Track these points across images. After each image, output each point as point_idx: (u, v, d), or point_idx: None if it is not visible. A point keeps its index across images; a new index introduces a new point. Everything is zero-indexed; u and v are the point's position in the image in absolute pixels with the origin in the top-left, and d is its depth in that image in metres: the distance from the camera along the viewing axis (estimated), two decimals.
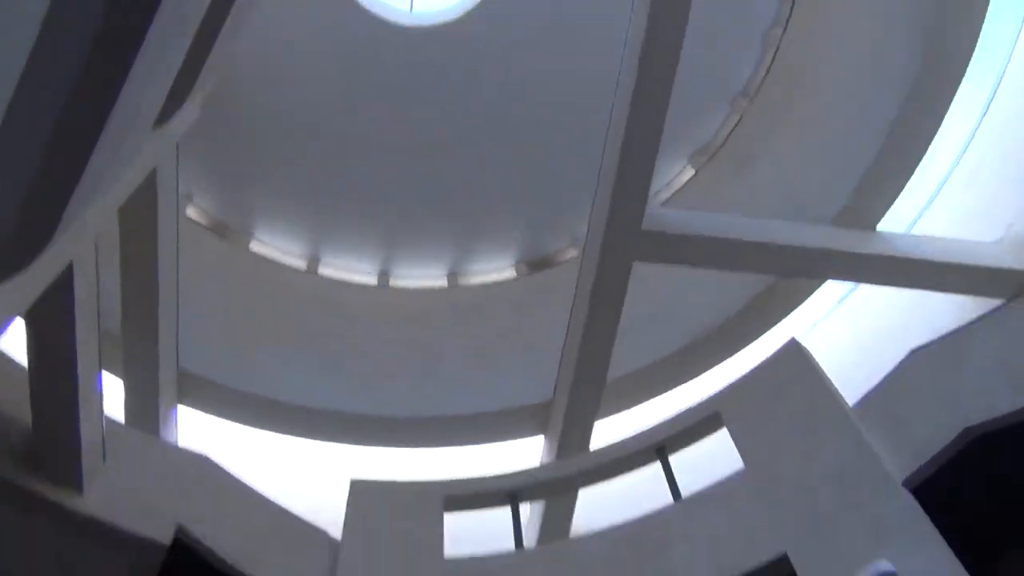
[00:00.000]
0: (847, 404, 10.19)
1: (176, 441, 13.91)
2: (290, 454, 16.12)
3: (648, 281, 14.05)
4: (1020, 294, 11.81)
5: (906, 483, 8.88)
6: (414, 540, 10.75)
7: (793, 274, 14.51)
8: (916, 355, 9.91)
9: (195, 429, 14.96)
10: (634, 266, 13.20)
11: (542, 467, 13.64)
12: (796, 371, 10.95)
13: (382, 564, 10.37)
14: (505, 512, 11.85)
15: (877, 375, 10.40)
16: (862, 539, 8.60)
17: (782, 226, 14.02)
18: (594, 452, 13.58)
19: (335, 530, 10.92)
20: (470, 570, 10.33)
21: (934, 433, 9.05)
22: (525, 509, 12.74)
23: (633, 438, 11.90)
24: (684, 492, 10.83)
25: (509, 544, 11.34)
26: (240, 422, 15.54)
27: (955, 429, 8.88)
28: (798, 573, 8.76)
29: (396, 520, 11.01)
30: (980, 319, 10.34)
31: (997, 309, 10.93)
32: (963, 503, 8.99)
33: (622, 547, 10.13)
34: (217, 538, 9.40)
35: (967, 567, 8.02)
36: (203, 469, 10.50)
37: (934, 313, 13.93)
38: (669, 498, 10.89)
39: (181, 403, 14.65)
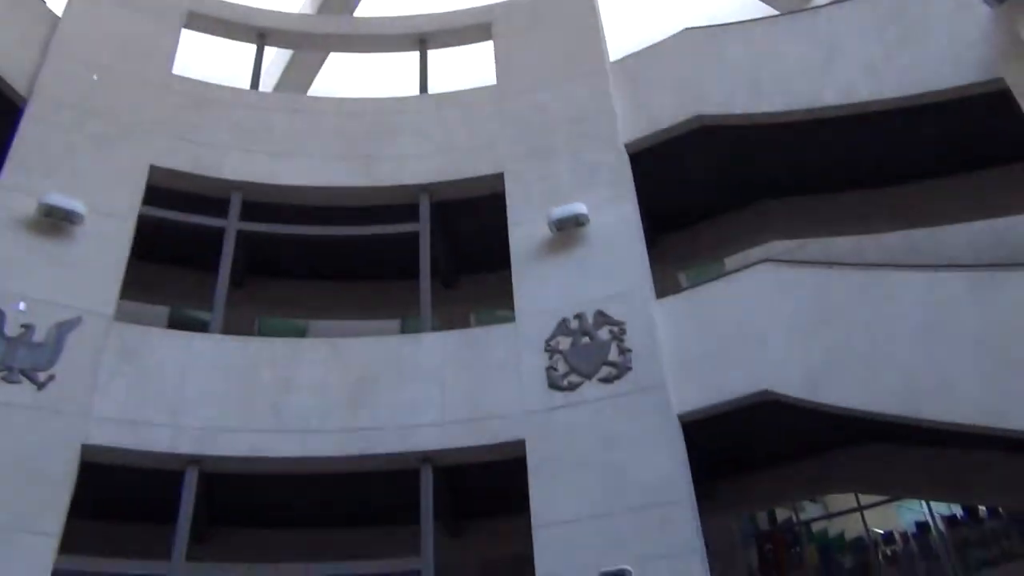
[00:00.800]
0: (608, 57, 10.44)
1: None
2: None
3: None
4: (799, 10, 12.22)
5: (628, 146, 9.54)
6: (143, 44, 10.06)
7: None
8: (685, 35, 10.14)
9: None
10: None
11: (300, 16, 12.96)
12: (577, 8, 10.93)
13: (103, 63, 9.65)
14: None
15: (648, 42, 10.64)
16: (570, 179, 9.29)
17: None
18: (356, 18, 13.14)
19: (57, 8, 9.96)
20: (194, 91, 9.94)
21: (671, 110, 9.58)
22: (270, 54, 12.30)
23: (399, 19, 11.56)
24: None
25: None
26: None
27: (689, 113, 9.45)
28: (507, 192, 9.41)
29: (128, 19, 10.16)
30: (749, 21, 10.39)
31: (770, 18, 11.20)
32: (669, 179, 9.90)
33: (355, 119, 10.22)
34: None
35: (647, 232, 9.05)
36: None
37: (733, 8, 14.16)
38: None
39: None
